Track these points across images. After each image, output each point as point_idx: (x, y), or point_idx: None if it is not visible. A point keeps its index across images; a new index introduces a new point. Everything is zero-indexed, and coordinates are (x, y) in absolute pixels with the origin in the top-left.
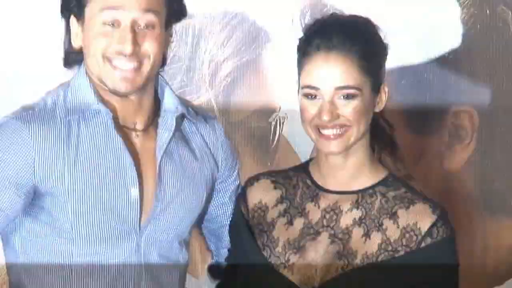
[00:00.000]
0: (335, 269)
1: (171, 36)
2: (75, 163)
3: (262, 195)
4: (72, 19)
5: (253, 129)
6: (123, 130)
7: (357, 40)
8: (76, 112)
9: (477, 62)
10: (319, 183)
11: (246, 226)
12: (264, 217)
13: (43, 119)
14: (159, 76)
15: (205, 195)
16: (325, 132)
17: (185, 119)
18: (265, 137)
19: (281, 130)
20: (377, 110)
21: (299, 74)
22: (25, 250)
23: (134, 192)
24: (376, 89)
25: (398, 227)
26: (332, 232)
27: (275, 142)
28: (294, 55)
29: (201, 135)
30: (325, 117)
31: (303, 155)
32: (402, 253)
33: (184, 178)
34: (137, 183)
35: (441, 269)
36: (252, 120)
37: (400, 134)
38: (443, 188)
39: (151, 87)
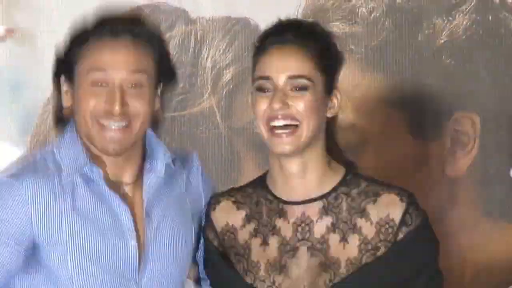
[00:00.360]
0: (323, 282)
1: (162, 98)
2: (72, 216)
3: (227, 217)
4: (62, 79)
5: (255, 135)
6: (114, 184)
7: (312, 38)
8: (68, 170)
9: (480, 67)
10: (281, 196)
11: (219, 254)
12: (236, 239)
13: (37, 175)
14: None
15: (192, 245)
16: (276, 123)
17: (175, 168)
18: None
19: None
20: (329, 115)
21: (253, 71)
22: None
23: (133, 242)
24: (329, 90)
25: (371, 224)
26: (310, 244)
27: None
28: None
29: (188, 175)
30: (276, 105)
31: None
32: (383, 249)
33: (173, 225)
34: (135, 235)
35: (424, 254)
36: (254, 127)
37: (403, 140)
38: (445, 194)
39: (139, 144)
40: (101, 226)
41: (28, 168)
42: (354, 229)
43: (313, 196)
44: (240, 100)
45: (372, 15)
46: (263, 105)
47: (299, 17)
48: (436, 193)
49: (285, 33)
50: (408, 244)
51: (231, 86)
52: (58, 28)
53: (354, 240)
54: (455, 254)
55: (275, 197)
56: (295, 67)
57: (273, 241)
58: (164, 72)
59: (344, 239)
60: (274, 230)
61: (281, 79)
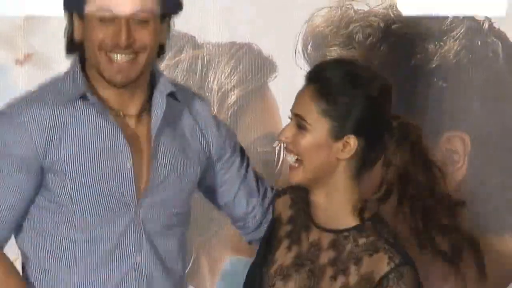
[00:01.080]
0: None
1: (169, 26)
2: (71, 142)
3: (282, 209)
4: (74, 14)
5: (259, 154)
6: (116, 115)
7: (324, 78)
8: (69, 96)
9: (469, 89)
10: (312, 215)
11: (271, 232)
12: (278, 230)
13: (34, 104)
14: (154, 66)
15: (199, 169)
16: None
17: (176, 100)
18: (270, 161)
19: (286, 155)
20: (340, 157)
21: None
22: (33, 225)
23: (129, 165)
24: (337, 136)
25: (358, 273)
26: (312, 267)
27: (279, 165)
28: (298, 84)
29: (192, 114)
30: (292, 150)
31: None
32: None
33: (177, 154)
34: (131, 158)
35: None
36: (257, 145)
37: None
38: None
39: (145, 76)
40: (98, 151)
41: (26, 99)
42: (345, 272)
43: (330, 227)
44: (244, 121)
45: (369, 40)
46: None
47: (299, 42)
48: None
49: None
50: None
51: (236, 108)
52: None
53: (339, 281)
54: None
55: (308, 213)
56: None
57: (294, 249)
58: (170, 6)
59: (334, 277)
60: (299, 240)
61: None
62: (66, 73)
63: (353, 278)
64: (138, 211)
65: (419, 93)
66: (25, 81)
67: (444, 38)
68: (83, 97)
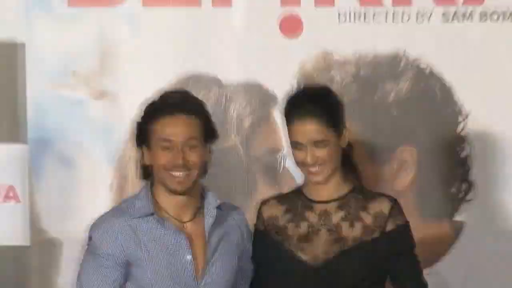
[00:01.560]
0: (334, 250)
1: (210, 152)
2: (146, 244)
3: (272, 210)
4: (144, 147)
5: (266, 162)
6: (176, 221)
7: (323, 105)
8: (144, 215)
9: (416, 117)
10: (312, 198)
11: (263, 232)
12: (277, 223)
13: (121, 217)
14: (202, 185)
15: (237, 259)
16: (312, 168)
17: (221, 210)
18: (274, 168)
19: (285, 163)
20: (343, 145)
21: (290, 134)
22: None
23: (189, 257)
24: (340, 134)
25: (370, 215)
26: (329, 227)
27: (280, 171)
28: None
29: (234, 220)
30: (309, 160)
31: (298, 179)
32: (377, 233)
33: (224, 247)
34: (190, 252)
35: (404, 244)
36: (265, 157)
37: (364, 164)
38: None
39: (196, 190)
40: (167, 249)
41: (113, 213)
42: (358, 218)
43: (332, 198)
44: (255, 138)
45: (344, 81)
46: (300, 156)
47: (295, 81)
48: None
49: (304, 107)
50: (396, 232)
51: (249, 130)
52: (137, 90)
53: (358, 226)
54: None
55: (307, 198)
56: (317, 135)
57: (304, 225)
58: (209, 136)
59: (351, 226)
60: (305, 218)
61: (309, 143)
62: (140, 194)
63: (367, 219)
64: None
65: (379, 119)
66: (100, 114)
67: (399, 79)
68: (152, 213)
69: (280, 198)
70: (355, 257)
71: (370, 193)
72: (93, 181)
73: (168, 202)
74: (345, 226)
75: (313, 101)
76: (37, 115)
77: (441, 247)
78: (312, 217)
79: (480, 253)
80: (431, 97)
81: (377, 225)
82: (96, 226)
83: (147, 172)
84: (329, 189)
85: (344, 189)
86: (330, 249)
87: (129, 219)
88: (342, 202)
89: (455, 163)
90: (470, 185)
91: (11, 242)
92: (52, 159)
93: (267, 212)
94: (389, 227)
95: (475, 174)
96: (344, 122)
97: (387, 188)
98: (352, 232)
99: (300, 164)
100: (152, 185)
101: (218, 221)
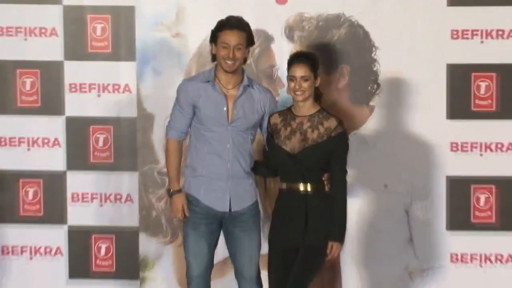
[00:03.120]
0: (302, 145)
1: (248, 52)
2: (204, 97)
3: (275, 119)
4: (212, 44)
5: (267, 73)
6: (223, 87)
7: (310, 59)
8: (206, 81)
9: (350, 48)
10: (295, 113)
11: (269, 132)
12: (275, 127)
13: (194, 80)
14: (244, 72)
15: (257, 118)
16: (298, 92)
17: (250, 87)
18: (271, 75)
19: (277, 73)
20: (316, 85)
21: (289, 72)
22: (192, 128)
23: (224, 108)
24: (315, 76)
25: (323, 127)
26: (301, 131)
27: (274, 77)
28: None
29: (259, 93)
30: (297, 87)
31: (284, 80)
32: (325, 137)
33: (248, 107)
34: (226, 105)
35: (342, 145)
36: (266, 69)
37: (325, 87)
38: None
39: (238, 72)
40: (214, 101)
41: (192, 77)
42: (318, 128)
43: (306, 114)
44: (261, 60)
45: (309, 29)
46: (292, 85)
47: (283, 30)
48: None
49: (298, 59)
50: (336, 138)
51: (258, 54)
52: (196, 33)
53: (316, 132)
54: None
55: (293, 113)
56: (303, 73)
57: (288, 129)
58: (249, 41)
59: (312, 131)
60: (290, 125)
61: (299, 77)
62: (208, 69)
63: (321, 129)
64: (229, 126)
65: (330, 50)
66: (176, 45)
67: (339, 28)
68: (211, 81)
69: (280, 113)
70: (312, 150)
71: (327, 114)
72: (173, 77)
73: (222, 76)
74: (309, 132)
75: (304, 56)
76: (142, 46)
77: (362, 120)
78: (293, 124)
79: (385, 122)
80: (357, 37)
81: (326, 133)
82: (179, 86)
83: (214, 58)
84: (305, 109)
85: (313, 110)
86: (300, 145)
87: (197, 82)
88: (310, 117)
89: (371, 74)
90: (378, 85)
91: (125, 115)
92: (152, 70)
93: (272, 121)
94: (333, 134)
95: (381, 79)
96: (318, 72)
97: (335, 87)
98: (312, 136)
99: (292, 90)
100: (216, 66)
101: (247, 92)
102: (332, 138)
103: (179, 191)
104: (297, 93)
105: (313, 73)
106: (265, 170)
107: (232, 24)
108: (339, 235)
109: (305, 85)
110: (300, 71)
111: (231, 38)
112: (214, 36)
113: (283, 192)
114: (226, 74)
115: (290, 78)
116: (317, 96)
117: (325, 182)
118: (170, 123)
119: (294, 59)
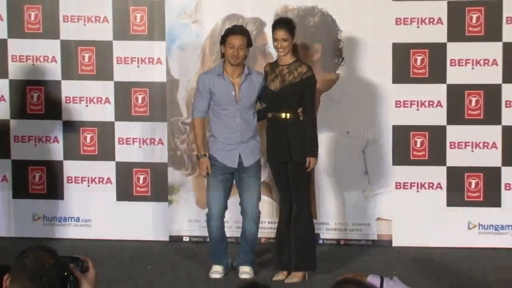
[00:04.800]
0: (284, 84)
1: (248, 51)
2: (217, 86)
3: (267, 68)
4: (221, 45)
5: (261, 49)
6: (231, 76)
7: (288, 25)
8: (218, 74)
9: (321, 30)
10: (279, 63)
11: (263, 77)
12: (267, 73)
13: (209, 72)
14: (245, 63)
15: (256, 95)
16: (280, 49)
17: (250, 74)
18: (264, 51)
19: (268, 50)
20: (293, 43)
21: (273, 35)
22: (211, 108)
23: (233, 92)
24: (292, 37)
25: (297, 72)
26: (281, 76)
27: (266, 53)
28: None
29: (256, 77)
30: (279, 46)
31: (274, 56)
32: (298, 79)
33: (249, 88)
34: (234, 90)
35: (311, 85)
36: (260, 46)
37: (302, 51)
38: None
39: (241, 65)
40: (225, 88)
41: (207, 71)
42: (293, 73)
43: (286, 63)
44: (256, 40)
45: (292, 17)
46: (276, 43)
47: (273, 16)
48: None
49: (280, 24)
50: (306, 79)
51: (254, 36)
52: (211, 20)
53: (291, 76)
54: None
55: (277, 63)
56: (285, 35)
57: (273, 74)
58: (249, 43)
59: (289, 76)
60: (275, 72)
61: (280, 39)
62: (220, 64)
63: (296, 74)
64: (237, 105)
65: (307, 33)
66: (195, 30)
67: (314, 16)
68: (221, 74)
69: (270, 63)
70: (289, 88)
71: (300, 63)
72: (193, 52)
73: (228, 68)
74: (287, 75)
75: (284, 21)
76: (170, 29)
77: (330, 84)
78: (277, 71)
79: (347, 85)
80: (327, 22)
81: (299, 76)
82: (199, 77)
83: (223, 55)
84: (285, 60)
85: (291, 60)
86: (281, 85)
87: (212, 75)
88: (288, 65)
89: (337, 50)
90: (342, 59)
91: (156, 79)
92: (177, 47)
93: (265, 69)
94: (304, 76)
95: (345, 52)
96: (295, 32)
97: (311, 59)
98: (289, 78)
99: (276, 47)
100: (224, 61)
101: (248, 79)
102: (304, 79)
103: (205, 155)
104: (280, 50)
105: (290, 35)
106: (261, 115)
107: (237, 30)
108: (313, 151)
109: (284, 44)
110: (280, 34)
111: (236, 40)
112: (223, 39)
113: (270, 120)
114: (232, 66)
115: (274, 39)
116: (294, 49)
117: (300, 114)
118: (193, 106)
119: (276, 25)
